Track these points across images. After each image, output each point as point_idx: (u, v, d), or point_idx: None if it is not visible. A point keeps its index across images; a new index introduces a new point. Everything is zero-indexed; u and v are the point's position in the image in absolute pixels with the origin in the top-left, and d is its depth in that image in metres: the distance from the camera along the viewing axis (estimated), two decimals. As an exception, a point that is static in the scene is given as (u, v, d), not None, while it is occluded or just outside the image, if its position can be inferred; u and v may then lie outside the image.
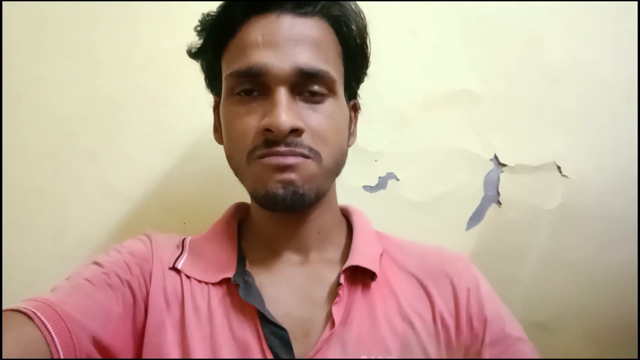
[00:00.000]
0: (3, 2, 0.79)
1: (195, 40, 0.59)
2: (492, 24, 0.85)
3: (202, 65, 0.61)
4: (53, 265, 0.79)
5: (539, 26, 0.84)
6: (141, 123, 0.82)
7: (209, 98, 0.79)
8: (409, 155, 0.85)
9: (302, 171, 0.53)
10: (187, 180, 0.83)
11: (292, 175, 0.52)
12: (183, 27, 0.80)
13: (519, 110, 0.85)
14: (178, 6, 0.82)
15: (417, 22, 0.83)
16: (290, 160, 0.52)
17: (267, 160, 0.52)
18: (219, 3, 0.57)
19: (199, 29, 0.58)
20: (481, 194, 0.85)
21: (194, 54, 0.60)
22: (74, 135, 0.81)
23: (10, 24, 0.80)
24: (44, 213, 0.81)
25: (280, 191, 0.52)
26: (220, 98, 0.59)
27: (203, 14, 0.57)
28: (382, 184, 0.85)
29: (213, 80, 0.61)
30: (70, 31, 0.81)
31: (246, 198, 0.67)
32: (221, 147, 0.80)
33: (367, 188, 0.85)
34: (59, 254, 0.80)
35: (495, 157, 0.85)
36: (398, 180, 0.85)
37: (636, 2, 0.83)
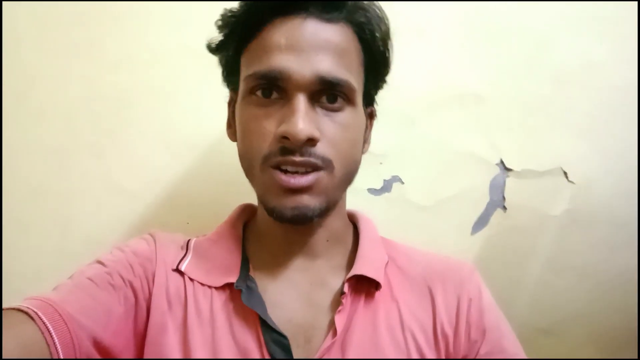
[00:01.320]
0: (5, 1, 0.79)
1: (215, 35, 0.58)
2: (499, 26, 0.84)
3: (220, 60, 0.60)
4: (56, 263, 0.79)
5: (546, 28, 0.84)
6: (146, 120, 0.82)
7: (215, 96, 0.79)
8: (414, 158, 0.85)
9: (314, 189, 0.52)
10: (192, 179, 0.83)
11: (304, 198, 0.52)
12: (189, 25, 0.81)
13: (526, 112, 0.84)
14: (184, 3, 0.81)
15: (423, 23, 0.83)
16: (303, 181, 0.51)
17: (278, 178, 0.51)
18: (223, 1, 0.57)
19: (219, 23, 0.56)
20: (487, 198, 0.85)
21: (213, 49, 0.59)
22: (79, 133, 0.81)
23: (14, 21, 0.79)
24: (47, 210, 0.81)
25: (289, 212, 0.52)
26: (235, 94, 0.59)
27: (225, 9, 0.56)
28: (387, 186, 0.84)
29: (231, 76, 0.60)
30: (75, 28, 0.81)
31: (251, 198, 0.67)
32: (227, 145, 0.80)
33: (372, 191, 0.84)
34: (62, 252, 0.80)
35: (502, 161, 0.84)
36: (403, 183, 0.84)
37: (636, 3, 0.82)
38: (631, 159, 0.84)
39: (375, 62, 0.58)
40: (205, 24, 0.79)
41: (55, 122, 0.81)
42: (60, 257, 0.79)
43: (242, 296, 0.54)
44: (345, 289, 0.56)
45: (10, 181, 0.80)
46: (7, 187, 0.80)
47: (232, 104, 0.62)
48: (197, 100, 0.82)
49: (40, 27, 0.80)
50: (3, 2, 0.79)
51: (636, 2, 0.83)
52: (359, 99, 0.56)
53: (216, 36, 0.57)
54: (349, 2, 0.54)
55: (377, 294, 0.58)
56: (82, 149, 0.81)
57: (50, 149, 0.81)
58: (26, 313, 0.45)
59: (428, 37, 0.83)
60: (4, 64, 0.80)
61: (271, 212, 0.53)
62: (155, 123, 0.82)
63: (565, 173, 0.84)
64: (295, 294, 0.58)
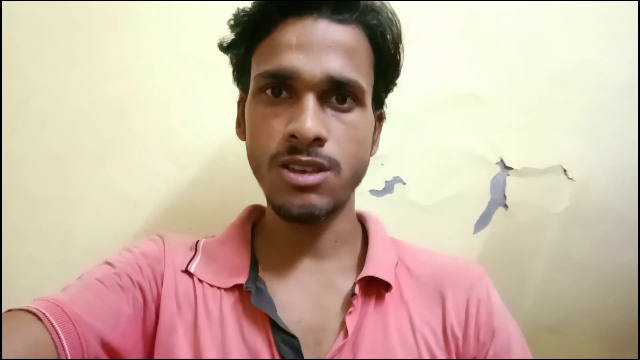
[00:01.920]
0: (4, 8, 0.79)
1: (227, 35, 0.58)
2: (496, 27, 0.85)
3: (231, 60, 0.61)
4: (58, 273, 0.77)
5: (543, 28, 0.85)
6: (146, 128, 0.82)
7: (214, 102, 0.79)
8: (415, 159, 0.85)
9: (321, 188, 0.52)
10: (192, 185, 0.82)
11: (311, 197, 0.52)
12: (187, 32, 0.81)
13: (524, 112, 0.85)
14: (182, 11, 0.82)
15: (422, 26, 0.84)
16: (311, 179, 0.51)
17: (287, 176, 0.51)
18: (221, 8, 0.57)
19: (232, 23, 0.57)
20: (488, 197, 0.85)
21: (225, 48, 0.59)
22: (79, 141, 0.81)
23: (13, 30, 0.80)
24: (48, 220, 0.80)
25: (296, 210, 0.52)
26: (245, 93, 0.59)
27: (238, 8, 0.56)
28: (388, 187, 0.85)
29: (241, 76, 0.60)
30: (74, 36, 0.81)
31: (255, 201, 0.67)
32: (227, 151, 0.81)
33: (374, 192, 0.84)
34: (64, 261, 0.79)
35: (502, 160, 0.85)
36: (404, 184, 0.85)
37: (636, 2, 0.84)
38: (630, 155, 0.84)
39: (386, 64, 0.58)
40: (203, 31, 0.79)
41: (54, 131, 0.81)
42: (62, 266, 0.78)
43: (251, 297, 0.54)
44: (356, 290, 0.56)
45: (11, 191, 0.79)
46: (7, 197, 0.79)
47: (241, 103, 0.62)
48: (197, 107, 0.82)
49: (38, 36, 0.81)
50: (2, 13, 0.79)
51: (635, 2, 0.84)
52: (368, 100, 0.56)
53: (227, 35, 0.58)
54: (361, 4, 0.54)
55: (387, 295, 0.58)
56: (82, 158, 0.81)
57: (50, 158, 0.81)
58: (34, 314, 0.45)
59: (427, 39, 0.84)
60: (3, 73, 0.80)
61: (278, 210, 0.53)
62: (155, 131, 0.82)
63: (564, 170, 0.85)
64: (304, 295, 0.57)
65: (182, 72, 0.82)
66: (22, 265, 0.79)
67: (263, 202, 0.62)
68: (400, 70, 0.61)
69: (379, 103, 0.61)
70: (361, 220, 0.66)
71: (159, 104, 0.82)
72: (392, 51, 0.58)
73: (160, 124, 0.82)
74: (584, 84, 0.85)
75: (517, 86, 0.85)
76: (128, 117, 0.82)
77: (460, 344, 0.56)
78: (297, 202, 0.52)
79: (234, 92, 0.63)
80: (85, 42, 0.81)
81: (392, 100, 0.65)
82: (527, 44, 0.85)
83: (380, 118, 0.64)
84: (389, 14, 0.57)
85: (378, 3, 0.56)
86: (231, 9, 0.57)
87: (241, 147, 0.60)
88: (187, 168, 0.83)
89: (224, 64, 0.62)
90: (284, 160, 0.52)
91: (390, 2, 0.58)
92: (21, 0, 0.80)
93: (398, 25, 0.58)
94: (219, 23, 0.58)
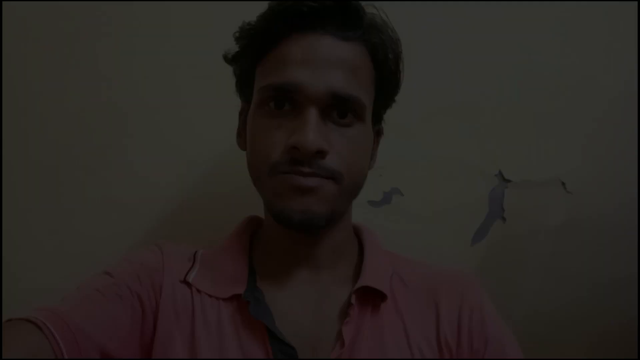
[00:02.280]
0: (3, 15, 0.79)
1: (232, 47, 0.59)
2: (496, 38, 0.86)
3: (235, 71, 0.62)
4: (54, 282, 0.77)
5: (542, 38, 0.86)
6: (143, 136, 0.82)
7: (210, 110, 0.79)
8: (413, 170, 0.85)
9: (321, 194, 0.53)
10: (189, 195, 0.83)
11: (311, 201, 0.53)
12: (184, 40, 0.81)
13: (522, 123, 0.86)
14: (179, 18, 0.82)
15: (422, 35, 0.84)
16: (312, 182, 0.52)
17: (288, 178, 0.52)
18: (219, 15, 0.57)
19: (237, 35, 0.58)
20: (485, 208, 0.86)
21: (230, 60, 0.60)
22: (75, 149, 0.81)
23: (10, 37, 0.79)
24: (44, 228, 0.80)
25: (297, 215, 0.52)
26: (247, 104, 0.60)
27: (244, 22, 0.57)
28: (386, 198, 0.85)
29: (244, 87, 0.61)
30: (71, 43, 0.80)
31: (251, 211, 0.67)
32: (225, 160, 0.81)
33: (372, 203, 0.85)
34: (59, 270, 0.79)
35: (500, 173, 0.86)
36: (402, 195, 0.85)
37: (636, 15, 0.85)
38: (627, 167, 0.85)
39: (386, 81, 0.60)
40: (200, 39, 0.80)
41: (49, 138, 0.80)
42: (58, 276, 0.78)
43: (249, 308, 0.54)
44: (353, 300, 0.56)
45: (7, 199, 0.79)
46: (3, 204, 0.79)
47: (243, 113, 0.63)
48: (194, 115, 0.82)
49: (35, 43, 0.80)
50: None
51: (635, 15, 0.85)
52: (368, 116, 0.58)
53: (232, 47, 0.59)
54: (365, 23, 0.56)
55: (382, 306, 0.58)
56: (77, 166, 0.81)
57: (46, 166, 0.80)
58: (34, 323, 0.45)
59: (425, 49, 0.84)
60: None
61: (279, 215, 0.54)
62: (153, 138, 0.82)
63: (563, 184, 0.85)
64: (302, 305, 0.58)
65: (179, 80, 0.82)
66: (18, 273, 0.79)
67: (261, 213, 0.63)
68: (399, 88, 0.62)
69: (377, 119, 0.63)
70: (356, 232, 0.67)
71: (156, 112, 0.82)
72: (393, 68, 0.59)
73: (158, 131, 0.82)
74: (582, 95, 0.86)
75: (515, 97, 0.86)
76: (125, 125, 0.82)
77: (454, 352, 0.57)
78: (298, 207, 0.52)
79: (231, 101, 0.64)
80: (82, 49, 0.81)
81: (390, 111, 0.66)
82: (525, 55, 0.86)
83: (378, 133, 0.65)
84: (391, 32, 0.59)
85: (380, 21, 0.58)
86: (229, 16, 0.58)
87: (238, 156, 0.61)
88: (184, 177, 0.83)
89: (220, 73, 0.63)
90: (285, 170, 0.53)
91: (388, 3, 0.59)
92: (17, 0, 0.79)
93: (399, 43, 0.60)
94: (216, 31, 0.59)
